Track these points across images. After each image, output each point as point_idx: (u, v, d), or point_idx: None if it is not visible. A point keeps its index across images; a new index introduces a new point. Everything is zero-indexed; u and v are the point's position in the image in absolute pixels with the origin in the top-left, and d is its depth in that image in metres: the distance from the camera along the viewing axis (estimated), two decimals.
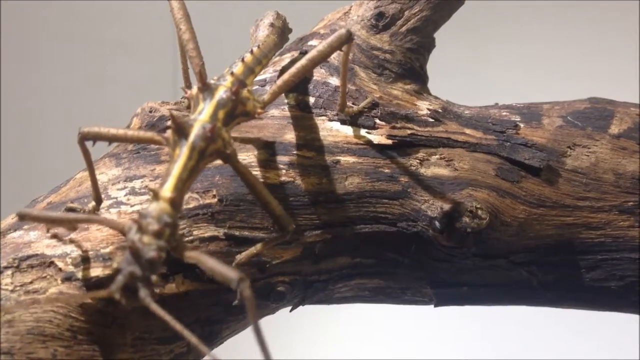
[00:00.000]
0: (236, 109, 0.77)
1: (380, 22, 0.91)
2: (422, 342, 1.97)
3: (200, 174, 0.75)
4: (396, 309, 0.96)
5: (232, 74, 0.79)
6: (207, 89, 0.77)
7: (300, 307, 0.87)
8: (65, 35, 2.10)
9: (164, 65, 2.15)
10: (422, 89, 0.91)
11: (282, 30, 0.90)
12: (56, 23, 2.10)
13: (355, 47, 0.91)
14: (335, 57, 0.90)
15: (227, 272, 0.67)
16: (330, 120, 0.87)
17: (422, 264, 0.85)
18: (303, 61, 0.80)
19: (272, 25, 0.90)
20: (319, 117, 0.87)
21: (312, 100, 0.88)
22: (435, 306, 0.90)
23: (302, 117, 0.87)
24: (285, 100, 0.88)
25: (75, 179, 0.84)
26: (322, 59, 0.81)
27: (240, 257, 0.78)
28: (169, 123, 0.83)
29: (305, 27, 0.97)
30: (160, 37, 2.14)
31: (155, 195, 0.70)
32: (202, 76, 0.78)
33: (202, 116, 0.75)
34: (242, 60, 0.81)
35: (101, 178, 0.81)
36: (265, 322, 0.86)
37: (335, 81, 0.89)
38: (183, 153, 0.72)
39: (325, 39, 0.81)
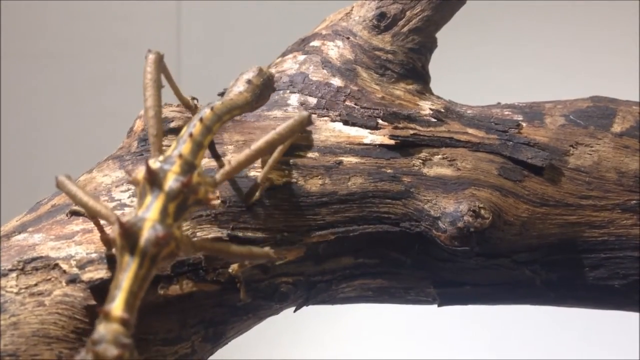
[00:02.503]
0: (188, 200, 0.70)
1: (382, 22, 0.91)
2: (425, 342, 1.97)
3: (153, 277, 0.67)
4: (400, 309, 0.96)
5: (180, 155, 0.71)
6: (154, 176, 0.69)
7: (304, 307, 0.87)
8: (67, 35, 2.11)
9: (167, 64, 2.14)
10: (424, 89, 0.92)
11: (261, 88, 0.83)
12: (58, 23, 2.11)
13: (357, 47, 0.91)
14: (337, 58, 0.91)
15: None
16: (332, 120, 0.87)
17: (425, 264, 0.85)
18: (260, 143, 0.75)
19: (249, 82, 0.83)
20: (322, 118, 0.87)
21: (314, 101, 0.88)
22: (439, 306, 0.90)
23: None
24: (288, 102, 0.88)
25: (78, 182, 0.84)
26: (280, 141, 0.76)
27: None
28: (172, 125, 0.84)
29: (307, 28, 0.97)
30: (163, 37, 2.14)
31: (106, 315, 0.63)
32: (158, 148, 0.72)
33: (150, 213, 0.67)
34: (190, 135, 0.73)
35: (105, 180, 0.81)
36: (269, 323, 0.87)
37: (337, 82, 0.89)
38: (133, 261, 0.65)
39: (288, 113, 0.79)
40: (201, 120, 0.74)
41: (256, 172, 0.81)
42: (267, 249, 0.73)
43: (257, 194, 0.80)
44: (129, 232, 0.66)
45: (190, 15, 2.16)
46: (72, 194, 0.73)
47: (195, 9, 2.16)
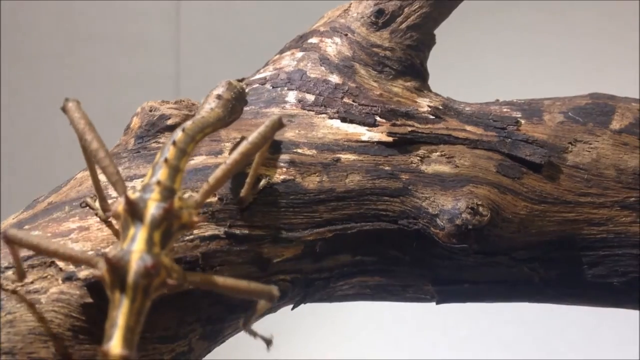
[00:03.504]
0: (173, 226, 0.68)
1: (380, 19, 0.91)
2: (424, 340, 1.97)
3: (148, 309, 0.65)
4: (398, 306, 0.96)
5: (158, 182, 0.69)
6: (134, 207, 0.67)
7: (302, 305, 0.87)
8: (67, 33, 2.11)
9: (166, 63, 2.15)
10: (422, 86, 0.91)
11: (232, 103, 0.80)
12: (57, 20, 2.10)
13: (356, 44, 0.91)
14: (335, 55, 0.90)
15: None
16: (330, 118, 0.87)
17: (423, 262, 0.85)
18: (235, 155, 0.73)
19: (219, 97, 0.79)
20: (320, 115, 0.87)
21: (312, 98, 0.88)
22: (437, 303, 0.89)
23: (303, 115, 0.87)
24: (285, 99, 0.88)
25: (75, 179, 0.84)
26: (255, 150, 0.74)
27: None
28: (169, 122, 0.83)
29: (305, 25, 0.97)
30: (162, 35, 2.14)
31: (105, 355, 0.62)
32: (123, 190, 0.70)
33: (135, 245, 0.65)
34: (166, 160, 0.70)
35: (102, 178, 0.81)
36: (267, 322, 0.87)
37: (335, 79, 0.89)
38: (125, 296, 0.64)
39: (262, 125, 0.74)
40: (174, 143, 0.71)
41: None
42: (270, 286, 0.70)
43: (251, 197, 0.79)
44: (117, 267, 0.64)
45: (190, 14, 2.16)
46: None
47: (195, 8, 2.16)
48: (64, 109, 0.74)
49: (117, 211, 0.68)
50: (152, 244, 0.66)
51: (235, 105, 0.80)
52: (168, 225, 0.67)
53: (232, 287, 0.70)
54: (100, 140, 0.72)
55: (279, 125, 0.75)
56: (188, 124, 0.74)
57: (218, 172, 0.72)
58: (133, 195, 0.68)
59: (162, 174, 0.69)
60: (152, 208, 0.67)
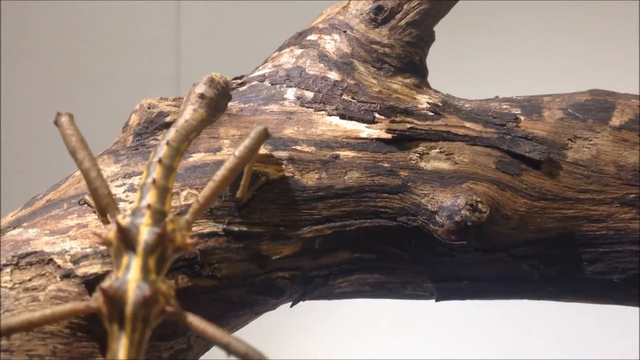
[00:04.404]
0: (167, 251, 0.66)
1: (379, 15, 0.91)
2: (424, 337, 1.96)
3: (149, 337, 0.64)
4: (398, 304, 0.96)
5: (148, 206, 0.67)
6: (126, 233, 0.65)
7: (302, 303, 0.87)
8: (67, 32, 2.11)
9: (166, 61, 2.15)
10: (421, 83, 0.91)
11: (216, 100, 0.76)
12: (57, 20, 2.10)
13: (355, 41, 0.91)
14: (334, 52, 0.90)
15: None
16: (329, 114, 0.86)
17: (422, 259, 0.85)
18: (223, 171, 0.71)
19: (202, 96, 0.75)
20: (318, 112, 0.87)
21: (311, 95, 0.88)
22: (437, 301, 0.89)
23: (301, 111, 0.87)
24: (284, 96, 0.88)
25: (74, 176, 0.83)
26: (243, 164, 0.72)
27: None
28: (167, 119, 0.83)
29: (304, 22, 0.97)
30: (162, 33, 2.14)
31: None
32: (114, 214, 0.67)
33: (131, 273, 0.64)
34: (153, 182, 0.68)
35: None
36: (267, 320, 0.87)
37: (334, 76, 0.88)
38: (125, 329, 0.62)
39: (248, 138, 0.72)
40: (160, 161, 0.69)
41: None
42: (261, 353, 0.66)
43: (248, 196, 0.79)
44: (114, 298, 0.63)
45: (191, 13, 2.16)
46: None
47: (195, 7, 2.16)
48: (57, 123, 0.72)
49: (108, 238, 0.66)
50: (148, 270, 0.64)
51: (219, 102, 0.77)
52: (162, 250, 0.66)
53: (223, 342, 0.66)
54: (92, 159, 0.70)
55: (264, 135, 0.73)
56: (172, 134, 0.71)
57: (207, 191, 0.71)
58: (124, 221, 0.66)
59: (151, 196, 0.67)
60: (145, 234, 0.65)
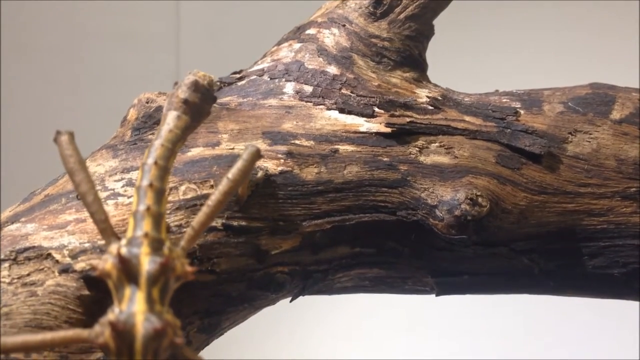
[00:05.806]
0: (169, 280, 0.64)
1: (378, 9, 0.91)
2: (423, 334, 1.96)
3: None
4: (398, 299, 0.96)
5: (145, 235, 0.65)
6: (127, 264, 0.63)
7: (301, 298, 0.86)
8: (67, 30, 2.10)
9: (166, 57, 2.14)
10: (421, 77, 0.91)
11: (199, 105, 0.72)
12: (58, 17, 2.10)
13: (354, 35, 0.90)
14: (333, 46, 0.90)
15: None
16: (328, 109, 0.86)
17: (422, 253, 0.85)
18: (217, 195, 0.69)
19: (186, 102, 0.71)
20: (317, 106, 0.86)
21: (310, 89, 0.87)
22: (437, 295, 0.89)
23: (300, 106, 0.86)
24: (283, 90, 0.88)
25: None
26: (237, 186, 0.71)
27: None
28: None
29: (303, 17, 0.97)
30: (161, 29, 2.14)
31: None
32: (110, 240, 0.66)
33: (136, 305, 0.62)
34: (147, 209, 0.66)
35: (98, 170, 0.81)
36: (265, 317, 0.86)
37: (333, 70, 0.88)
38: None
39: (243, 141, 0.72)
40: (151, 185, 0.67)
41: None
42: None
43: (247, 192, 0.78)
44: (123, 334, 0.61)
45: (190, 10, 2.15)
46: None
47: (195, 4, 2.15)
48: (56, 142, 0.70)
49: (105, 269, 0.64)
50: (153, 301, 0.62)
51: (202, 106, 0.73)
52: (165, 280, 0.64)
53: None
54: (89, 182, 0.68)
55: (257, 156, 0.71)
56: (158, 150, 0.68)
57: (201, 216, 0.69)
58: (123, 251, 0.64)
59: (146, 224, 0.65)
60: (147, 264, 0.64)
